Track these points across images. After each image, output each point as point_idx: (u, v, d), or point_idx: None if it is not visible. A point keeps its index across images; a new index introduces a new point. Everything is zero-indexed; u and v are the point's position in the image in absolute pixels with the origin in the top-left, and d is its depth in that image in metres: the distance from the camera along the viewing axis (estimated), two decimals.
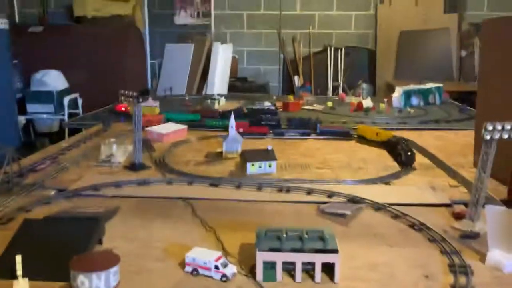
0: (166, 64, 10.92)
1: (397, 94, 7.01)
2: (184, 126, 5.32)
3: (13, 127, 7.88)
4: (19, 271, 2.11)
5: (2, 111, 7.35)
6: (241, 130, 4.83)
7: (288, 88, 11.65)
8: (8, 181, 3.43)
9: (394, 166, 4.08)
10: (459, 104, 7.28)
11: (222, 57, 10.62)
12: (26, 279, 2.13)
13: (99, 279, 1.69)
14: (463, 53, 10.83)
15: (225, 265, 2.30)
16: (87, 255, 1.88)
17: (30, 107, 8.92)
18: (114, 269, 1.74)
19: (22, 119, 8.70)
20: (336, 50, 11.44)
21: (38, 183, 3.52)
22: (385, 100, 7.04)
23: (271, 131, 5.32)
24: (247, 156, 4.19)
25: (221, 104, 7.29)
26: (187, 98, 8.07)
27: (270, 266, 2.26)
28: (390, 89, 9.01)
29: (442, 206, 3.16)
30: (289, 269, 2.30)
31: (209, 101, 7.09)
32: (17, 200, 3.21)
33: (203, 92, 10.25)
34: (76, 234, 2.47)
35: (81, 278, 1.68)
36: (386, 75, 11.07)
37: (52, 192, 3.35)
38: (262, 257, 2.25)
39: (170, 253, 2.51)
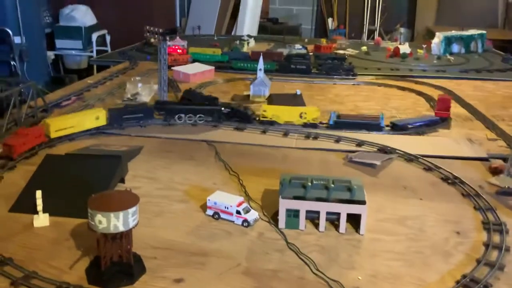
0: (195, 2, 10.59)
1: (437, 40, 6.61)
2: (211, 67, 5.18)
3: (42, 62, 7.87)
4: (40, 206, 2.11)
5: (31, 46, 7.32)
6: None
7: (321, 31, 11.22)
8: (32, 115, 3.42)
9: (430, 116, 3.87)
10: (503, 53, 6.85)
11: None
12: (47, 214, 2.13)
13: (117, 218, 1.64)
14: None
15: (247, 211, 2.24)
16: (105, 194, 1.83)
17: (59, 43, 8.88)
18: (132, 210, 1.69)
19: (51, 54, 8.67)
20: None
21: None
22: (424, 46, 6.66)
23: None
24: (275, 100, 4.06)
25: (250, 46, 7.06)
26: (215, 38, 7.85)
27: (293, 214, 2.19)
28: (430, 34, 8.52)
29: (478, 160, 2.99)
30: (313, 218, 2.22)
31: (238, 42, 6.86)
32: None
33: (232, 33, 9.97)
34: (98, 171, 2.44)
35: (99, 217, 1.63)
36: (426, 19, 10.47)
37: None
38: (285, 204, 2.18)
39: (192, 196, 2.46)
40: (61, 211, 2.16)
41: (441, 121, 3.65)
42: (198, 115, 3.29)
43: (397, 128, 3.48)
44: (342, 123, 3.49)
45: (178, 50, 5.80)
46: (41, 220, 2.11)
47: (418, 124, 3.53)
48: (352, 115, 3.72)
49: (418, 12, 10.66)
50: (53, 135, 3.05)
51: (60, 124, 3.11)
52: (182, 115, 3.29)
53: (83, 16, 9.03)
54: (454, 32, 6.92)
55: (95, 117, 3.23)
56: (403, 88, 4.77)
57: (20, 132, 2.88)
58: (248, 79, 4.67)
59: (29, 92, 3.42)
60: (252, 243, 2.08)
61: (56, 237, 2.05)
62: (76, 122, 3.15)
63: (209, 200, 2.27)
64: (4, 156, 2.74)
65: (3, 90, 3.28)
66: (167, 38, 3.88)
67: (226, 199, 2.25)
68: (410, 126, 3.45)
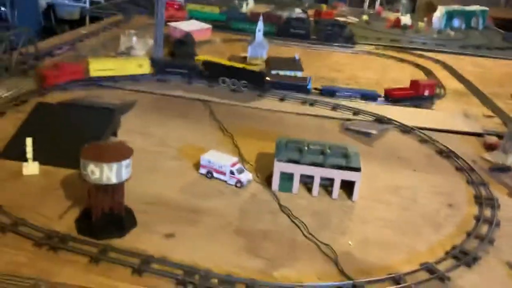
0: None
1: (439, 13, 6.52)
2: (209, 26, 5.05)
3: (34, 9, 7.61)
4: (29, 154, 2.06)
5: None
6: None
7: None
8: (23, 62, 3.31)
9: (369, 90, 3.83)
10: (503, 31, 6.78)
11: None
12: (36, 163, 2.09)
13: (110, 170, 1.60)
14: None
15: (240, 171, 2.22)
16: (99, 144, 1.79)
17: None
18: (126, 162, 1.65)
19: (43, 2, 8.38)
20: None
21: None
22: (425, 19, 6.57)
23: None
24: (272, 63, 3.98)
25: (249, 7, 6.88)
26: None
27: (287, 178, 2.18)
28: (431, 8, 8.38)
29: (473, 135, 2.99)
30: (306, 182, 2.21)
31: (236, 1, 6.68)
32: (32, 83, 3.11)
33: None
34: (91, 122, 2.38)
35: (92, 167, 1.60)
36: None
37: None
38: (280, 167, 2.16)
39: (185, 154, 2.43)
40: (52, 160, 2.12)
41: (386, 99, 3.56)
42: (242, 81, 3.22)
43: (324, 92, 3.51)
44: (271, 83, 3.50)
45: (175, 6, 5.63)
46: (31, 168, 2.07)
47: (348, 93, 3.51)
48: (281, 76, 3.65)
49: None
50: (93, 73, 3.10)
51: (101, 65, 3.14)
52: (227, 79, 3.23)
53: None
54: (456, 7, 6.82)
55: (138, 64, 3.22)
56: (402, 60, 4.72)
57: (58, 64, 2.95)
58: (246, 40, 4.57)
59: (19, 39, 3.30)
60: (245, 203, 2.07)
61: (46, 186, 2.02)
62: (118, 66, 3.17)
63: (202, 158, 2.25)
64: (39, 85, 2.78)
65: None
66: None
67: (220, 158, 2.23)
68: (338, 94, 3.46)
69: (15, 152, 2.15)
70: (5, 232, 1.70)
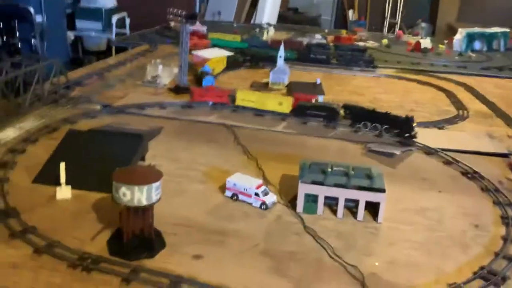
0: None
1: (459, 36, 6.53)
2: (231, 53, 5.17)
3: (62, 42, 7.93)
4: (63, 179, 2.14)
5: (52, 25, 7.37)
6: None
7: (341, 22, 11.11)
8: (55, 92, 3.46)
9: (450, 111, 3.84)
10: None
11: None
12: (69, 187, 2.16)
13: (141, 192, 1.66)
14: None
15: (265, 193, 2.25)
16: (130, 168, 1.86)
17: (79, 23, 8.92)
18: (156, 184, 1.71)
19: (71, 34, 8.72)
20: None
21: (84, 97, 3.53)
22: (446, 41, 6.58)
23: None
24: (294, 88, 4.04)
25: (270, 34, 7.03)
26: (235, 25, 7.83)
27: (311, 199, 2.20)
28: (451, 30, 8.40)
29: (498, 156, 2.97)
30: (331, 204, 2.23)
31: (257, 30, 6.84)
32: (63, 111, 3.24)
33: (252, 21, 9.92)
34: (120, 148, 2.47)
35: (123, 190, 1.66)
36: (448, 15, 10.31)
37: (98, 107, 3.36)
38: (304, 189, 2.18)
39: (211, 177, 2.48)
40: (83, 184, 2.20)
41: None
42: (384, 126, 3.09)
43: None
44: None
45: (199, 35, 5.80)
46: (64, 192, 2.14)
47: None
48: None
49: (440, 7, 10.51)
50: (238, 102, 3.37)
51: (246, 96, 3.39)
52: (368, 123, 3.14)
53: None
54: (476, 29, 6.82)
55: (279, 102, 3.34)
56: (423, 83, 4.73)
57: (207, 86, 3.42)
58: (268, 66, 4.66)
59: (50, 70, 3.46)
60: (270, 225, 2.10)
61: (78, 209, 2.09)
62: (260, 100, 3.35)
63: (228, 181, 2.29)
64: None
65: (27, 66, 3.31)
66: (189, 22, 3.89)
67: (245, 181, 2.27)
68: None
69: (49, 177, 2.24)
70: (40, 254, 1.76)
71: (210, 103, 3.48)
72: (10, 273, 1.66)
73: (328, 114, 3.32)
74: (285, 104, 3.33)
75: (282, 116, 3.37)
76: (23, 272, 1.67)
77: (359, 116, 3.22)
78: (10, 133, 2.80)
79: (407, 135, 2.96)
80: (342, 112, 3.35)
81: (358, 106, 3.35)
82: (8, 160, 2.44)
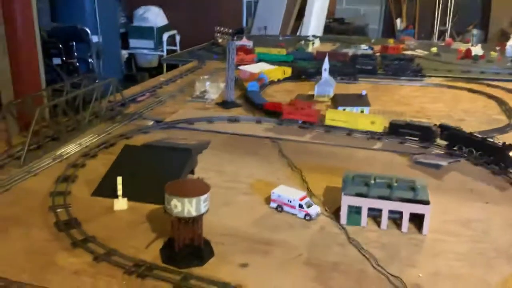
0: (262, 2, 10.75)
1: None
2: (276, 67, 5.27)
3: (117, 60, 8.37)
4: (120, 191, 2.30)
5: (107, 44, 7.80)
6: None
7: (389, 31, 10.99)
8: (111, 109, 3.68)
9: (500, 120, 3.75)
10: None
11: None
12: (125, 199, 2.32)
13: (190, 204, 1.78)
14: None
15: (309, 205, 2.31)
16: (181, 181, 1.98)
17: (132, 42, 9.38)
18: (204, 197, 1.82)
19: (125, 53, 9.19)
20: None
21: (138, 113, 3.74)
22: (498, 48, 6.38)
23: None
24: (339, 100, 4.08)
25: (315, 46, 7.09)
26: (280, 38, 7.95)
27: (355, 211, 2.23)
28: (505, 36, 8.12)
29: None
30: (375, 215, 2.25)
31: (303, 42, 6.92)
32: (119, 127, 3.45)
33: (298, 33, 10.02)
34: (171, 162, 2.61)
35: (175, 202, 1.78)
36: (501, 21, 9.96)
37: (150, 123, 3.55)
38: (347, 201, 2.22)
39: (256, 189, 2.57)
40: (138, 196, 2.34)
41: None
42: (478, 152, 2.91)
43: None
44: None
45: (245, 50, 5.95)
46: (121, 204, 2.30)
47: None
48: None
49: (493, 12, 10.17)
50: (327, 122, 3.37)
51: (336, 115, 3.36)
52: (464, 147, 2.99)
53: (155, 17, 9.47)
54: None
55: (371, 121, 3.31)
56: (473, 91, 4.62)
57: (296, 103, 3.47)
58: (313, 79, 4.73)
59: (107, 88, 3.68)
60: (314, 236, 2.15)
61: (133, 220, 2.23)
62: (351, 119, 3.33)
63: (273, 193, 2.37)
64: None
65: (86, 85, 3.56)
66: (235, 38, 4.03)
67: (289, 193, 2.34)
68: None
69: (107, 190, 2.40)
70: (99, 261, 1.91)
71: (299, 121, 3.49)
72: (73, 279, 1.81)
73: (423, 133, 3.19)
74: (378, 123, 3.25)
75: (378, 136, 3.30)
76: (84, 279, 1.81)
77: (455, 138, 3.07)
78: (72, 149, 3.01)
79: (502, 165, 2.78)
80: (437, 131, 3.18)
81: (454, 127, 3.14)
82: (70, 174, 2.63)
